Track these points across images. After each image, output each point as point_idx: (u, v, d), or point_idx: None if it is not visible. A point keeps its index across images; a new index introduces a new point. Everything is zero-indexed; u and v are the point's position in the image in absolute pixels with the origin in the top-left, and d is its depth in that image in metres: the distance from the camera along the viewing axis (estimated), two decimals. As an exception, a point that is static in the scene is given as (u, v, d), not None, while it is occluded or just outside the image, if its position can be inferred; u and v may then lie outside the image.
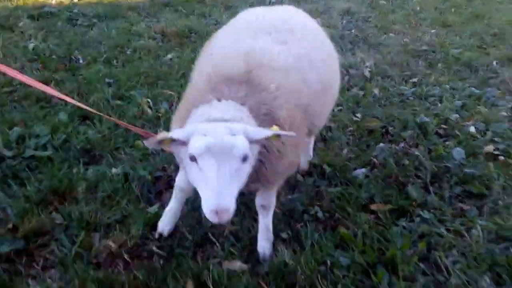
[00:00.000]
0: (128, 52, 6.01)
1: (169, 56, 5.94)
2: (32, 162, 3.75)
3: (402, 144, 4.17)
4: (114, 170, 3.76)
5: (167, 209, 3.20)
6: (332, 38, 3.46)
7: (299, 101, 2.69)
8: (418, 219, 3.32)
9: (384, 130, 4.45)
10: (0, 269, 2.84)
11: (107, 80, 5.20)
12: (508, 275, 2.85)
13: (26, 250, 3.03)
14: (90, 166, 3.82)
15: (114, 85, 5.10)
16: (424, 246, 3.04)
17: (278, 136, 2.29)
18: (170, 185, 3.65)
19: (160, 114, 4.59)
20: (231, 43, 2.83)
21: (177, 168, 3.31)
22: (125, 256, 3.02)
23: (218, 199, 2.09)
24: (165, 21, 7.03)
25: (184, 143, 2.25)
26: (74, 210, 3.31)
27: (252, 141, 2.24)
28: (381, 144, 4.17)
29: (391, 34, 6.97)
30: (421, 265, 2.94)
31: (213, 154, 2.15)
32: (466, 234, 3.20)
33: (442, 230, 3.24)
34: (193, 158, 2.20)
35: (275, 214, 3.20)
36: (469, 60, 6.07)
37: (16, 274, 2.85)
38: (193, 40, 6.48)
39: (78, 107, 3.43)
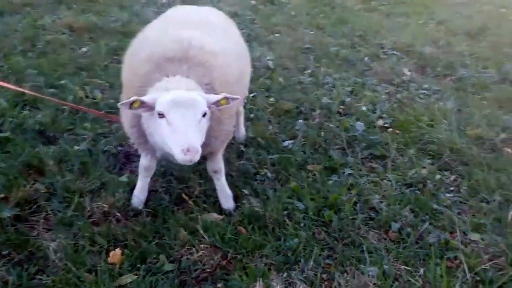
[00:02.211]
0: (40, 46, 6.14)
1: (84, 49, 6.21)
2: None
3: (317, 119, 5.02)
4: (76, 147, 4.09)
5: (137, 188, 3.65)
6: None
7: (228, 80, 3.27)
8: (344, 174, 4.16)
9: (297, 110, 5.27)
10: (13, 230, 3.10)
11: (30, 70, 5.35)
12: (419, 208, 3.78)
13: (20, 217, 3.30)
14: (49, 146, 4.09)
15: (39, 76, 5.28)
16: (356, 191, 3.89)
17: (226, 99, 2.92)
18: (129, 158, 4.10)
19: (96, 101, 4.93)
20: (165, 33, 3.36)
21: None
22: (118, 214, 3.42)
23: (187, 139, 2.59)
24: (67, 17, 7.19)
25: (151, 108, 2.78)
26: (55, 181, 3.61)
27: (209, 103, 2.81)
28: (300, 121, 4.99)
29: (276, 34, 7.87)
30: (357, 205, 3.76)
31: (178, 106, 2.67)
32: (381, 183, 4.09)
33: (364, 181, 4.10)
34: (161, 115, 2.70)
35: (232, 176, 3.89)
36: (346, 56, 7.18)
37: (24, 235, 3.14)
38: (101, 34, 6.76)
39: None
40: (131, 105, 2.78)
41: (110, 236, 3.23)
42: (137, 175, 3.70)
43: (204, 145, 2.94)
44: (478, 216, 3.76)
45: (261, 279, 2.90)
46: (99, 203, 3.45)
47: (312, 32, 8.17)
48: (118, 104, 2.82)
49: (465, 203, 3.96)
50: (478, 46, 8.34)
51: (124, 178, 3.80)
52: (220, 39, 3.52)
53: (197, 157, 2.60)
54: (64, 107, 4.60)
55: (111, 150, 4.10)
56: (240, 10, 8.79)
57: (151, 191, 3.69)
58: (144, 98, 2.78)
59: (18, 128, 4.23)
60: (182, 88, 2.85)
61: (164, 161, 3.56)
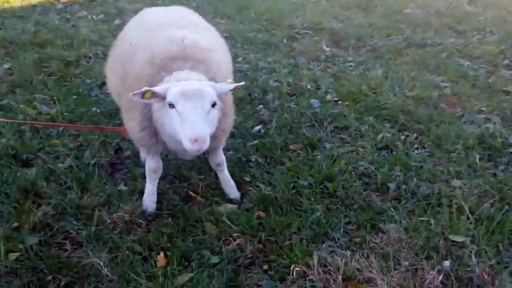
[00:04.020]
0: (-44, 68, 5.69)
1: (6, 65, 5.83)
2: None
3: (277, 102, 5.23)
4: (60, 164, 3.93)
5: (147, 192, 3.64)
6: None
7: (225, 74, 3.45)
8: (326, 148, 4.42)
9: (250, 97, 5.43)
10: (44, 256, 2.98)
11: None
12: (402, 167, 4.15)
13: (42, 242, 3.18)
14: (29, 168, 3.90)
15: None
16: (345, 161, 4.17)
17: (235, 88, 3.09)
18: (114, 167, 4.05)
19: (49, 116, 4.72)
20: (156, 34, 3.42)
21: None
22: (140, 221, 3.40)
23: (195, 129, 2.66)
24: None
25: (162, 98, 2.87)
26: (59, 201, 3.49)
27: (219, 93, 2.95)
28: (260, 106, 5.16)
29: (191, 26, 7.91)
30: (353, 173, 4.05)
31: (188, 97, 2.75)
32: (359, 150, 4.42)
33: (345, 150, 4.40)
34: (171, 105, 2.78)
35: (238, 161, 4.03)
36: (265, 40, 7.44)
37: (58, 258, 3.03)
38: (16, 48, 6.37)
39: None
40: (142, 96, 2.84)
41: (144, 243, 3.19)
42: (129, 182, 3.77)
43: (211, 138, 3.03)
44: (451, 165, 4.20)
45: (315, 253, 3.05)
46: (118, 213, 3.37)
47: (223, 21, 8.30)
48: (130, 95, 2.84)
49: (433, 156, 4.39)
50: (372, 16, 9.00)
51: (123, 187, 3.73)
52: (207, 36, 3.62)
53: (204, 147, 2.67)
54: (23, 126, 4.35)
55: (100, 162, 3.97)
56: (145, 6, 8.63)
57: (158, 194, 3.67)
58: (155, 89, 2.84)
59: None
60: (193, 79, 2.95)
61: (172, 156, 3.56)
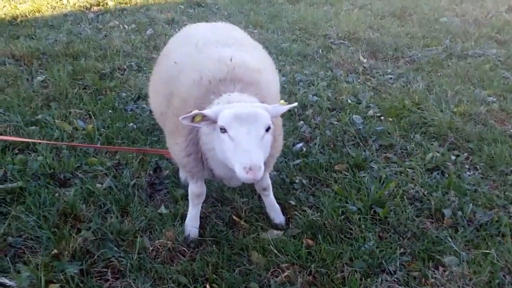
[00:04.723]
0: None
1: (40, 78, 5.71)
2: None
3: (318, 118, 5.02)
4: (99, 185, 3.78)
5: (189, 217, 3.45)
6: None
7: (273, 95, 3.26)
8: (373, 169, 4.20)
9: (289, 112, 5.23)
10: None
11: (-6, 108, 4.88)
12: (455, 190, 3.91)
13: (83, 271, 3.02)
14: (67, 188, 3.76)
15: (9, 113, 4.81)
16: (394, 184, 3.94)
17: (289, 110, 2.88)
18: (153, 187, 3.88)
19: (85, 132, 4.59)
20: (203, 53, 3.20)
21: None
22: (183, 248, 3.22)
23: (250, 157, 2.46)
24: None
25: (213, 121, 2.65)
26: (99, 226, 3.33)
27: (272, 116, 2.71)
28: (301, 122, 4.96)
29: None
30: (404, 198, 3.82)
31: (241, 121, 2.55)
32: (408, 172, 4.19)
33: (392, 172, 4.17)
34: (223, 129, 2.58)
35: (282, 182, 3.88)
36: (300, 51, 7.23)
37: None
38: (49, 60, 6.27)
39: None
40: (192, 119, 2.64)
41: (188, 273, 3.01)
42: (170, 204, 3.63)
43: None
44: (507, 189, 3.95)
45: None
46: (161, 240, 3.20)
47: (256, 31, 8.12)
48: (180, 118, 2.63)
49: (487, 178, 4.13)
50: (408, 25, 8.73)
51: (164, 210, 3.56)
52: (254, 54, 3.40)
53: (259, 175, 2.47)
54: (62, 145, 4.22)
55: (139, 183, 3.81)
56: (176, 16, 8.53)
57: (200, 218, 3.50)
58: (206, 112, 2.65)
59: (22, 174, 3.80)
60: (245, 101, 2.73)
61: (218, 182, 3.39)
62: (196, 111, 2.64)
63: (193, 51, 3.27)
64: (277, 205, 3.62)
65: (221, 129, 2.60)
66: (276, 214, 3.61)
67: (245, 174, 2.46)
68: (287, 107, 2.84)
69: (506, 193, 3.90)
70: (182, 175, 3.83)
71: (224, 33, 3.57)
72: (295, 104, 2.97)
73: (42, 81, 5.66)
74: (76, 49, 6.63)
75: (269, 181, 3.52)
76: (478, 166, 4.33)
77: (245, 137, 2.53)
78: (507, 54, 7.29)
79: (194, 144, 2.95)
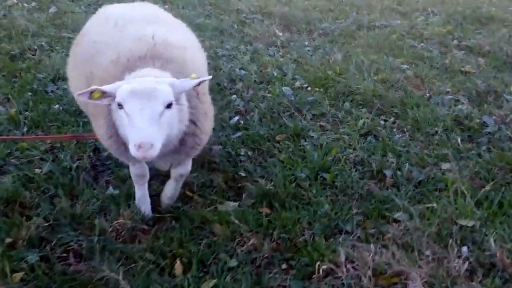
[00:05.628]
0: None
1: None
2: None
3: (251, 92, 5.06)
4: (38, 170, 3.61)
5: (137, 197, 3.37)
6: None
7: (200, 72, 3.10)
8: (311, 138, 4.34)
9: (219, 86, 5.23)
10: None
11: None
12: (391, 152, 4.15)
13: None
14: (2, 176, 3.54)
15: None
16: (336, 150, 4.09)
17: (199, 83, 2.67)
18: (96, 168, 3.76)
19: (9, 116, 4.31)
20: (123, 32, 3.10)
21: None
22: (144, 227, 3.17)
23: (140, 134, 2.36)
24: None
25: (113, 97, 2.53)
26: (50, 211, 3.19)
27: (179, 91, 2.60)
28: (234, 96, 4.98)
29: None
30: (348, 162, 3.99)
31: (136, 97, 2.43)
32: (345, 138, 4.37)
33: (329, 139, 4.33)
34: (120, 105, 2.48)
35: (216, 163, 3.87)
36: (215, 26, 7.24)
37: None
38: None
39: None
40: (91, 95, 2.53)
41: (155, 250, 2.97)
42: (118, 184, 3.54)
43: (175, 156, 2.93)
44: (435, 148, 4.25)
45: (341, 249, 2.96)
46: (119, 220, 3.11)
47: (166, 6, 7.93)
48: (75, 95, 2.58)
49: (415, 140, 4.42)
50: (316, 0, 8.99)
51: (113, 191, 3.46)
52: (178, 31, 3.34)
53: (151, 153, 2.37)
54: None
55: (82, 165, 3.65)
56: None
57: (152, 196, 3.43)
58: (104, 87, 2.53)
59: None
60: (153, 76, 2.62)
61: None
62: (93, 87, 2.52)
63: (113, 30, 3.14)
64: (178, 190, 3.45)
65: (118, 105, 2.49)
66: (167, 200, 3.43)
67: (135, 151, 2.36)
68: (197, 80, 2.64)
69: (435, 151, 4.17)
70: None
71: (145, 11, 3.46)
72: (209, 77, 2.84)
73: None
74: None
75: (189, 168, 3.35)
76: (405, 129, 4.59)
77: (137, 113, 2.42)
78: (410, 24, 7.74)
79: (113, 125, 2.78)
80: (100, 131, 2.92)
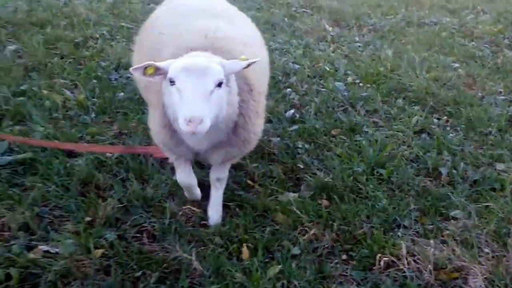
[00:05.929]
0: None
1: (10, 47, 5.48)
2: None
3: (306, 86, 5.17)
4: (108, 154, 3.78)
5: (189, 197, 3.38)
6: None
7: (255, 69, 2.96)
8: (366, 133, 4.42)
9: (274, 79, 5.34)
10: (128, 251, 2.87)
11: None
12: (446, 150, 4.21)
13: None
14: (71, 159, 3.73)
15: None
16: (391, 147, 4.17)
17: (249, 65, 2.62)
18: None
19: (75, 103, 4.51)
20: (184, 26, 3.11)
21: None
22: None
23: (191, 108, 2.35)
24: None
25: (165, 74, 2.53)
26: (123, 193, 3.36)
27: (228, 72, 2.57)
28: (288, 90, 5.10)
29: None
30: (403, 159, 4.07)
31: (188, 73, 2.43)
32: (398, 135, 4.44)
33: (383, 135, 4.41)
34: (172, 81, 2.47)
35: (275, 154, 3.96)
36: (267, 20, 7.36)
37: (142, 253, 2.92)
38: (16, 29, 6.00)
39: None
40: (144, 71, 2.55)
41: (223, 235, 3.11)
42: None
43: (228, 149, 2.93)
44: (490, 148, 4.29)
45: (403, 244, 3.06)
46: (187, 206, 3.27)
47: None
48: (130, 69, 2.59)
49: (469, 139, 4.46)
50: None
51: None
52: (241, 26, 3.37)
53: (200, 129, 2.35)
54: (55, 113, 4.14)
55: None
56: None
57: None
58: (159, 64, 2.54)
59: (26, 146, 3.72)
60: (205, 55, 2.64)
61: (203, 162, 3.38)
62: (147, 62, 2.53)
63: (178, 21, 3.20)
64: (221, 205, 3.35)
65: (170, 81, 2.50)
66: (214, 214, 3.31)
67: (185, 125, 2.34)
68: (246, 62, 2.61)
69: (490, 151, 4.22)
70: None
71: (212, 3, 3.48)
72: (258, 59, 2.75)
73: (14, 51, 5.42)
74: (40, 17, 6.37)
75: (227, 173, 3.32)
76: (458, 128, 4.63)
77: (189, 89, 2.43)
78: (459, 22, 7.71)
79: (167, 116, 2.80)
80: (155, 122, 2.96)
